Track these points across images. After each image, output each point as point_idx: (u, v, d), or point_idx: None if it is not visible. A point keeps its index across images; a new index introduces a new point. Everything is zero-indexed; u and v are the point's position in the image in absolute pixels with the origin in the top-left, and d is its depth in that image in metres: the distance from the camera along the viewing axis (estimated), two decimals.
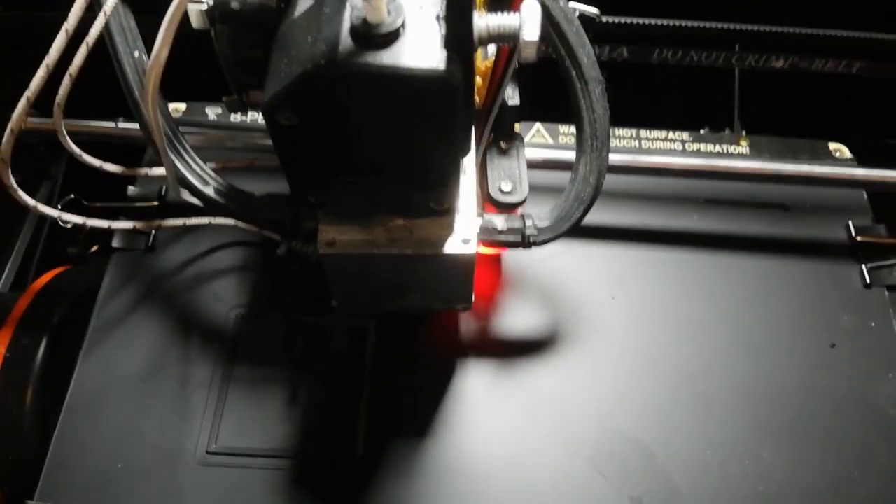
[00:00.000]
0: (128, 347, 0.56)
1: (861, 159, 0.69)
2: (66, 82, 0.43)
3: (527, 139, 0.69)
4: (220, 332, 0.57)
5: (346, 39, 0.33)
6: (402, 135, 0.37)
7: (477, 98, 0.47)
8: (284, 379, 0.55)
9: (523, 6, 0.36)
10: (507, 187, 0.52)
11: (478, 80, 0.46)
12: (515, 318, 0.59)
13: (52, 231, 0.75)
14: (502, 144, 0.54)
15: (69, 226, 0.58)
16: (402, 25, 0.33)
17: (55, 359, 0.58)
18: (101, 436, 0.52)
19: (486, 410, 0.55)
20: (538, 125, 0.69)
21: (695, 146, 0.69)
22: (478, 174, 0.52)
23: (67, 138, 0.49)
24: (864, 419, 0.56)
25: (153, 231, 0.61)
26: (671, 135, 0.70)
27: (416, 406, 0.55)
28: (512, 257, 0.62)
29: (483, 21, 0.35)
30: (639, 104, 0.68)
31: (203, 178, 0.49)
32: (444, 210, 0.44)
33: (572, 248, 0.62)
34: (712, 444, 0.54)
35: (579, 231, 0.62)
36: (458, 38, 0.34)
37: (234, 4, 0.37)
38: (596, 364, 0.57)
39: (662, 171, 0.63)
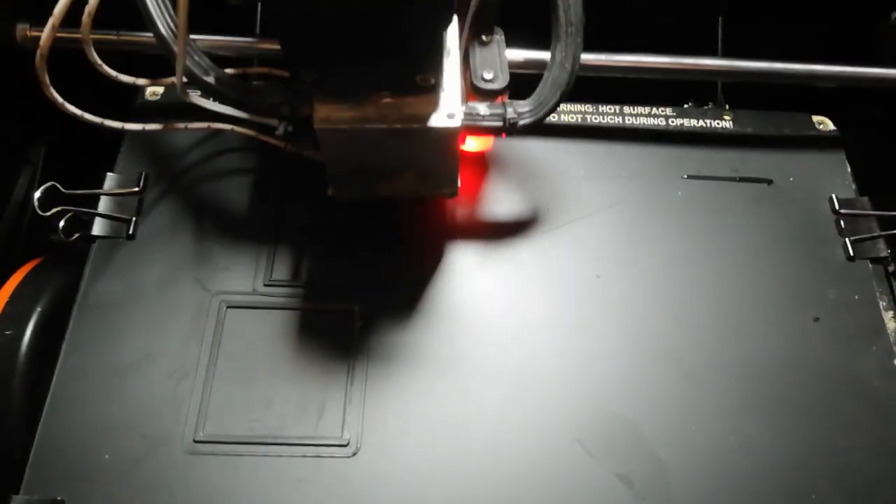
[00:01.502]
0: (111, 336, 0.56)
1: (845, 132, 0.69)
2: None
3: None
4: (204, 318, 0.56)
5: None
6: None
7: None
8: (270, 365, 0.55)
9: None
10: (488, 76, 0.54)
11: None
12: (502, 299, 0.59)
13: (33, 220, 0.75)
14: (484, 37, 0.56)
15: (49, 214, 0.58)
16: None
17: (38, 350, 0.58)
18: (87, 427, 0.52)
19: (468, 390, 0.55)
20: None
21: (678, 121, 0.69)
22: (462, 65, 0.54)
23: (93, 49, 0.53)
24: (850, 391, 0.56)
25: (133, 218, 0.60)
26: (655, 110, 0.70)
27: (404, 393, 0.55)
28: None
29: None
30: (622, 80, 0.68)
31: (204, 67, 0.51)
32: (430, 86, 0.48)
33: (558, 227, 0.62)
34: (698, 419, 0.54)
35: (563, 210, 0.63)
36: None
37: None
38: (581, 342, 0.57)
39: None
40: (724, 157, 0.67)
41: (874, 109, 0.77)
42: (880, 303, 0.60)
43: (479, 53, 0.55)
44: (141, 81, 0.59)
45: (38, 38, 0.48)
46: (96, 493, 0.50)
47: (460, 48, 0.53)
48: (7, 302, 0.60)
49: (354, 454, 0.52)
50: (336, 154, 0.53)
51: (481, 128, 0.53)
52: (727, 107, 0.71)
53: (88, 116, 0.56)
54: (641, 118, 0.69)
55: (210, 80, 0.51)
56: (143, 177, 0.63)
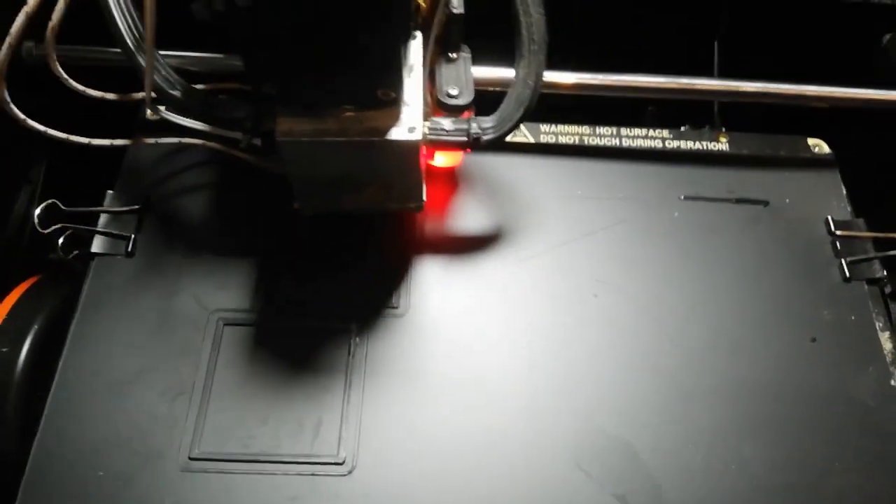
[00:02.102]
0: (109, 353, 0.56)
1: (840, 154, 0.69)
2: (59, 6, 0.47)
3: (508, 138, 0.68)
4: (201, 336, 0.57)
5: None
6: (344, 12, 0.42)
7: (423, 2, 0.53)
8: (266, 383, 0.55)
9: None
10: (454, 92, 0.56)
11: None
12: (499, 318, 0.59)
13: (32, 237, 0.75)
14: (450, 54, 0.57)
15: (48, 231, 0.58)
16: None
17: (35, 366, 0.58)
18: (83, 443, 0.52)
19: (465, 409, 0.55)
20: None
21: (675, 143, 0.70)
22: (427, 81, 0.55)
23: (57, 63, 0.53)
24: (846, 412, 0.56)
25: (133, 236, 0.61)
26: (651, 132, 0.70)
27: (403, 410, 0.55)
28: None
29: None
30: (619, 101, 0.68)
31: (171, 82, 0.52)
32: (391, 100, 0.50)
33: (556, 247, 0.62)
34: (694, 440, 0.54)
35: (561, 230, 0.63)
36: None
37: None
38: (578, 362, 0.57)
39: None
40: (721, 178, 0.67)
41: (869, 131, 0.77)
42: (876, 324, 0.60)
43: (444, 70, 0.57)
44: (110, 96, 0.59)
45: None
46: None
47: (425, 64, 0.54)
48: (5, 318, 0.60)
49: (350, 472, 0.52)
50: (299, 167, 0.54)
51: (445, 142, 0.54)
52: (723, 129, 0.72)
53: (52, 132, 0.56)
54: (638, 140, 0.69)
55: (176, 94, 0.52)
56: (142, 195, 0.63)
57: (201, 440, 0.52)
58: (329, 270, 0.60)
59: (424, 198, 0.59)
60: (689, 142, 0.70)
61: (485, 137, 0.54)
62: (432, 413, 0.55)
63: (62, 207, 0.59)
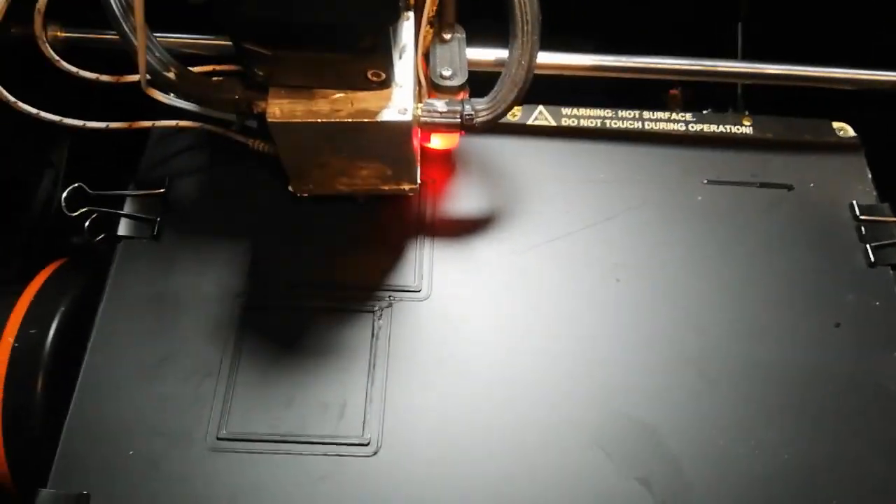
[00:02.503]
0: (136, 335, 0.56)
1: (866, 139, 0.69)
2: None
3: (529, 121, 0.68)
4: (227, 318, 0.57)
5: None
6: None
7: None
8: (292, 365, 0.55)
9: None
10: (447, 73, 0.56)
11: None
12: (522, 301, 0.59)
13: (57, 220, 0.76)
14: (444, 35, 0.57)
15: (75, 214, 0.59)
16: None
17: (64, 348, 0.58)
18: (112, 424, 0.53)
19: (488, 391, 0.55)
20: (541, 107, 0.69)
21: (698, 126, 0.69)
22: (422, 62, 0.56)
23: (47, 45, 0.55)
24: (870, 398, 0.56)
25: (158, 218, 0.61)
26: (674, 115, 0.70)
27: (426, 391, 0.55)
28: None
29: None
30: (641, 85, 0.68)
31: (165, 63, 0.52)
32: (382, 82, 0.50)
33: (578, 231, 0.62)
34: (717, 424, 0.54)
35: (584, 213, 0.63)
36: None
37: None
38: (600, 346, 0.57)
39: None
40: (744, 162, 0.67)
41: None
42: None
43: (438, 51, 0.57)
44: (104, 78, 0.59)
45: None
46: (121, 488, 0.51)
47: (418, 45, 0.54)
48: (32, 301, 0.61)
49: (375, 453, 0.52)
50: (290, 149, 0.54)
51: (438, 124, 0.54)
52: (747, 112, 0.71)
53: (68, 121, 0.57)
54: (661, 123, 0.69)
55: (170, 76, 0.52)
56: (167, 178, 0.63)
57: (229, 421, 0.53)
58: (352, 253, 0.61)
59: (419, 179, 0.59)
60: (712, 125, 0.69)
61: (478, 119, 0.54)
62: (455, 394, 0.55)
63: (88, 191, 0.60)
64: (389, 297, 0.59)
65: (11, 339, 0.58)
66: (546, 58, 0.65)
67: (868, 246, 0.62)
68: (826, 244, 0.63)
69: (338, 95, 0.51)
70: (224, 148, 0.63)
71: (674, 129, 0.69)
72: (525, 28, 0.50)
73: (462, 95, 0.56)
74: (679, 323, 0.59)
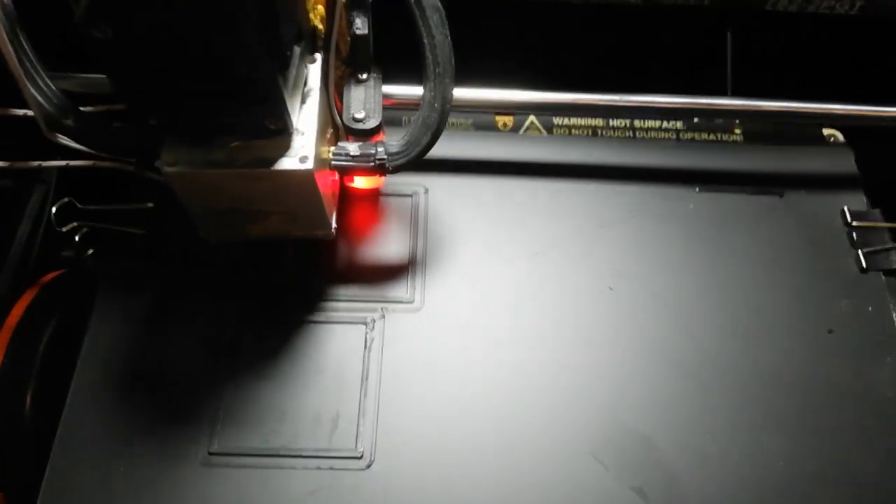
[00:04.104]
0: (126, 350, 0.56)
1: (856, 144, 0.69)
2: None
3: (520, 131, 0.69)
4: (219, 331, 0.57)
5: None
6: (206, 41, 0.39)
7: (321, 26, 0.51)
8: (285, 376, 0.55)
9: None
10: (359, 115, 0.54)
11: (320, 8, 0.51)
12: (515, 310, 0.59)
13: (48, 234, 0.75)
14: (360, 75, 0.56)
15: (64, 229, 0.58)
16: None
17: (54, 363, 0.58)
18: (102, 440, 0.52)
19: (482, 402, 0.55)
20: (532, 117, 0.69)
21: (689, 134, 0.69)
22: (337, 107, 0.54)
23: None
24: (863, 403, 0.56)
25: (146, 232, 0.61)
26: (665, 124, 0.70)
27: (420, 403, 0.55)
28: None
29: None
30: (629, 73, 0.68)
31: (62, 109, 0.49)
32: (280, 129, 0.47)
33: (570, 240, 0.62)
34: (712, 431, 0.54)
35: (576, 222, 0.63)
36: None
37: None
38: (594, 354, 0.57)
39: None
40: (735, 170, 0.67)
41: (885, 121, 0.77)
42: (894, 314, 0.60)
43: (353, 92, 0.55)
44: (16, 112, 0.57)
45: None
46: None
47: (328, 87, 0.52)
48: (22, 316, 0.60)
49: (368, 466, 0.52)
50: (192, 198, 0.51)
51: (351, 168, 0.53)
52: (737, 120, 0.72)
53: None
54: (652, 132, 0.69)
55: (69, 122, 0.49)
56: (155, 192, 0.63)
57: (221, 436, 0.52)
58: (345, 266, 0.61)
59: (334, 224, 0.57)
60: (703, 133, 0.69)
61: (392, 164, 0.52)
62: (449, 406, 0.55)
63: (77, 206, 0.60)
64: (382, 308, 0.58)
65: (1, 356, 0.57)
66: (410, 91, 0.62)
67: (860, 251, 0.62)
68: (818, 250, 0.63)
69: (235, 143, 0.48)
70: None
71: (665, 138, 0.69)
72: (436, 70, 0.49)
73: (379, 137, 0.55)
74: (672, 331, 0.58)
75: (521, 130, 0.69)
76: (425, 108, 0.50)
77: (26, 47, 0.47)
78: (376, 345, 0.57)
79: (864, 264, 0.62)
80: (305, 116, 0.49)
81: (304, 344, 0.57)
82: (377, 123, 0.54)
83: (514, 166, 0.66)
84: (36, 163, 0.59)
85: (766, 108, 0.65)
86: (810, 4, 0.70)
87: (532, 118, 0.69)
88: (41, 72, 0.48)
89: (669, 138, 0.69)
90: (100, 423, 0.53)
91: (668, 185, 0.66)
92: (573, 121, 0.70)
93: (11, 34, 0.45)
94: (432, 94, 0.49)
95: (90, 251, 0.60)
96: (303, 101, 0.50)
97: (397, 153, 0.52)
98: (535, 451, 0.53)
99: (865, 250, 0.62)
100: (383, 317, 0.58)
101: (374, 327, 0.58)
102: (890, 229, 0.64)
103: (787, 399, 0.56)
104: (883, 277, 0.62)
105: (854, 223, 0.64)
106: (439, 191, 0.64)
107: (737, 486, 0.52)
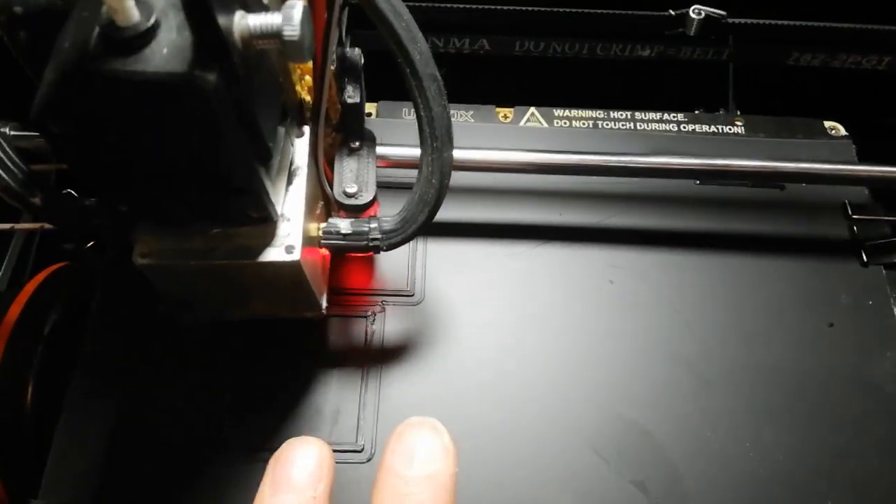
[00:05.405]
0: (126, 343, 0.56)
1: (858, 139, 0.69)
2: None
3: (521, 123, 0.68)
4: (218, 325, 0.57)
5: (94, 44, 0.31)
6: (176, 142, 0.35)
7: (308, 98, 0.47)
8: (285, 370, 0.55)
9: (286, 3, 0.34)
10: (351, 190, 0.51)
11: (308, 78, 0.46)
12: (515, 304, 0.59)
13: (46, 228, 0.75)
14: (352, 144, 0.52)
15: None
16: (156, 27, 0.31)
17: (54, 356, 0.58)
18: (102, 433, 0.52)
19: (482, 396, 0.55)
20: (532, 109, 0.69)
21: (690, 126, 0.69)
22: (328, 176, 0.50)
23: None
24: (864, 397, 0.56)
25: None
26: (666, 116, 0.70)
27: (420, 396, 0.55)
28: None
29: (245, 20, 0.33)
30: (632, 86, 0.68)
31: (31, 187, 0.43)
32: (264, 217, 0.42)
33: (570, 233, 0.62)
34: (713, 425, 0.54)
35: (576, 215, 0.63)
36: (208, 39, 0.31)
37: (17, 9, 0.35)
38: (594, 348, 0.57)
39: (655, 172, 0.60)
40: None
41: (887, 116, 0.77)
42: (895, 308, 0.60)
43: (345, 164, 0.52)
44: None
45: None
46: (113, 497, 0.50)
47: (317, 163, 0.47)
48: (23, 308, 0.60)
49: (369, 460, 0.52)
50: (169, 288, 0.47)
51: (342, 247, 0.49)
52: (738, 112, 0.71)
53: None
54: (653, 124, 0.69)
55: (36, 201, 0.44)
56: None
57: (221, 429, 0.53)
58: (343, 257, 0.60)
59: (325, 303, 0.53)
60: (703, 125, 0.69)
61: (387, 243, 0.48)
62: (449, 400, 0.55)
63: (77, 198, 0.59)
64: (382, 301, 0.58)
65: (1, 348, 0.57)
66: (408, 152, 0.58)
67: (861, 245, 0.62)
68: (819, 244, 0.63)
69: (215, 231, 0.43)
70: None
71: (666, 130, 0.69)
72: (434, 144, 0.44)
73: (371, 211, 0.52)
74: (673, 324, 0.58)
75: (522, 122, 0.68)
76: (422, 183, 0.46)
77: None
78: (377, 337, 0.57)
79: (864, 258, 0.62)
80: (292, 200, 0.45)
81: (304, 337, 0.57)
82: (370, 198, 0.51)
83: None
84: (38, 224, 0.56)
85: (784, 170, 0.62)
86: (835, 60, 0.69)
87: (533, 110, 0.69)
88: (9, 153, 0.43)
89: (670, 130, 0.69)
90: (100, 415, 0.53)
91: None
92: (574, 112, 0.69)
93: None
94: (430, 168, 0.45)
95: (90, 243, 0.60)
96: (289, 182, 0.45)
97: (392, 231, 0.48)
98: (535, 445, 0.53)
99: (867, 244, 0.62)
100: (383, 310, 0.58)
101: (374, 320, 0.58)
102: (891, 223, 0.64)
103: (788, 393, 0.56)
104: (884, 271, 0.62)
105: (855, 216, 0.64)
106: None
107: (737, 479, 0.53)
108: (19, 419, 0.56)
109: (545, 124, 0.68)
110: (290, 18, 0.34)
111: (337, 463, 0.51)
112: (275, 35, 0.34)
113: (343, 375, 0.55)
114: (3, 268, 0.71)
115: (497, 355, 0.57)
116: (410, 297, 0.59)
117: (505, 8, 0.68)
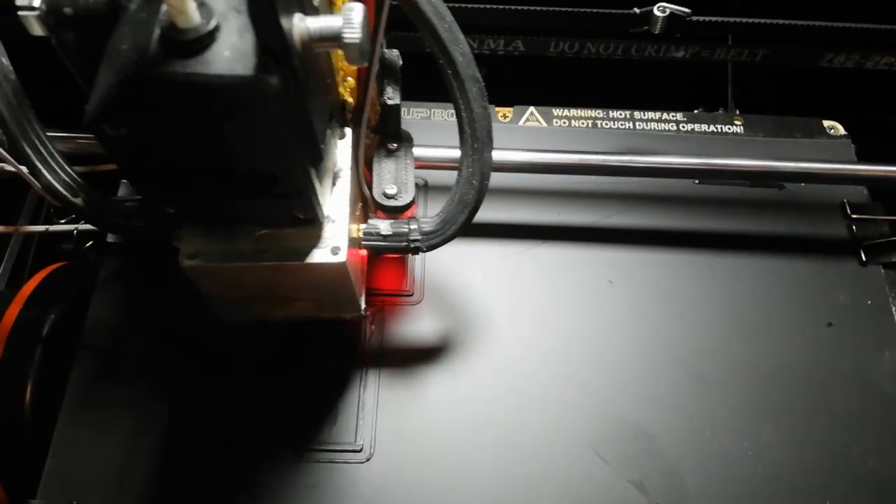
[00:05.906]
0: (124, 342, 0.56)
1: (856, 138, 0.69)
2: None
3: (520, 122, 0.68)
4: (217, 324, 0.57)
5: (154, 47, 0.31)
6: (232, 144, 0.35)
7: (350, 99, 0.47)
8: (284, 370, 0.55)
9: (345, 6, 0.34)
10: (391, 191, 0.51)
11: (350, 80, 0.47)
12: (515, 304, 0.59)
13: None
14: (390, 146, 0.53)
15: (63, 222, 0.58)
16: (217, 30, 0.31)
17: (53, 355, 0.58)
18: (101, 432, 0.52)
19: (482, 396, 0.55)
20: (532, 108, 0.69)
21: (689, 126, 0.69)
22: (366, 177, 0.50)
23: None
24: (862, 396, 0.56)
25: (144, 225, 0.60)
26: (665, 115, 0.70)
27: (419, 397, 0.55)
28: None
29: (305, 23, 0.34)
30: (632, 87, 0.68)
31: (73, 188, 0.45)
32: (310, 219, 0.42)
33: (569, 233, 0.62)
34: (712, 425, 0.54)
35: (575, 215, 0.63)
36: (271, 42, 0.31)
37: (67, 10, 0.34)
38: (593, 348, 0.57)
39: (654, 172, 0.61)
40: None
41: (885, 114, 0.77)
42: (893, 308, 0.60)
43: (383, 164, 0.52)
44: None
45: None
46: (112, 496, 0.50)
47: (359, 161, 0.47)
48: (22, 308, 0.60)
49: (368, 460, 0.52)
50: (213, 289, 0.47)
51: (382, 248, 0.49)
52: (737, 112, 0.71)
53: None
54: (652, 123, 0.69)
55: (78, 201, 0.45)
56: None
57: (221, 429, 0.53)
58: None
59: (363, 305, 0.53)
60: (703, 125, 0.69)
61: (427, 244, 0.48)
62: (448, 399, 0.55)
63: (118, 200, 0.59)
64: (381, 302, 0.58)
65: (1, 347, 0.57)
66: (445, 153, 0.59)
67: (860, 245, 0.62)
68: (818, 243, 0.63)
69: (261, 232, 0.43)
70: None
71: (665, 129, 0.69)
72: (475, 145, 0.44)
73: (410, 213, 0.51)
74: (672, 324, 0.58)
75: (521, 122, 0.68)
76: (463, 184, 0.46)
77: (38, 129, 0.43)
78: (376, 338, 0.57)
79: (863, 257, 0.62)
80: (336, 201, 0.45)
81: (303, 337, 0.57)
82: (409, 200, 0.51)
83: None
84: (13, 228, 0.57)
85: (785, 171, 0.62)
86: (868, 61, 0.68)
87: (532, 109, 0.69)
88: (54, 154, 0.44)
89: (669, 129, 0.68)
90: (99, 414, 0.53)
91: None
92: (573, 112, 0.69)
93: (20, 120, 0.42)
94: (470, 169, 0.45)
95: (89, 243, 0.60)
96: (332, 183, 0.45)
97: (432, 232, 0.48)
98: (535, 445, 0.53)
99: (865, 243, 0.62)
100: (382, 310, 0.58)
101: (373, 320, 0.58)
102: (890, 222, 0.64)
103: (787, 392, 0.56)
104: (882, 270, 0.62)
105: (854, 216, 0.64)
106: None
107: (736, 478, 0.53)
108: (19, 419, 0.56)
109: (544, 124, 0.68)
110: (350, 21, 0.34)
111: (336, 463, 0.52)
112: (334, 38, 0.34)
113: (342, 376, 0.55)
114: (2, 267, 0.71)
115: (496, 355, 0.57)
116: (410, 298, 0.59)
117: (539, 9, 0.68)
